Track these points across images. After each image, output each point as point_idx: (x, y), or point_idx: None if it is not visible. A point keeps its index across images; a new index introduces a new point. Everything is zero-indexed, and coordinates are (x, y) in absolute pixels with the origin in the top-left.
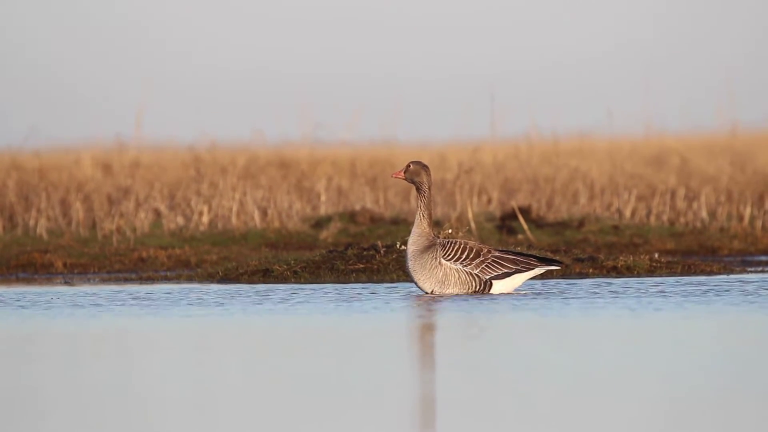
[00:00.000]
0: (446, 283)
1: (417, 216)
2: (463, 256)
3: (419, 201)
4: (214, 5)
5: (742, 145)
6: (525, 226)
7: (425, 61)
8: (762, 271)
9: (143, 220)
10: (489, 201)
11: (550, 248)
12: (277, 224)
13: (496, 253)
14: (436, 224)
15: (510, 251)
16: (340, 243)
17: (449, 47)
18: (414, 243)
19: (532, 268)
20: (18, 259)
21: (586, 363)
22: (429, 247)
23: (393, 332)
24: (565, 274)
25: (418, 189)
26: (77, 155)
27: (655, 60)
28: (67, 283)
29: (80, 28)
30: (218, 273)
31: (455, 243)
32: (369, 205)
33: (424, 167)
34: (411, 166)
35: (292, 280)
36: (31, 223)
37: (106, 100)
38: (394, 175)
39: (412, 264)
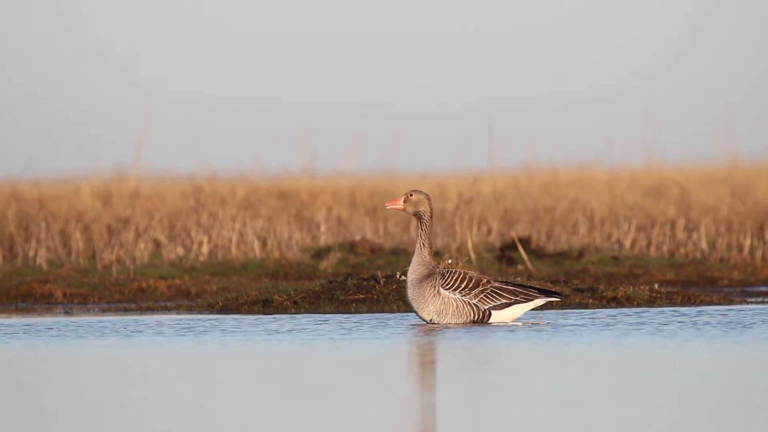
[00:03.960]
0: (445, 312)
1: (417, 245)
2: (462, 286)
3: (420, 230)
4: (213, 36)
5: (741, 175)
6: (525, 256)
7: (425, 92)
8: (762, 302)
9: (143, 250)
10: (489, 231)
11: (549, 279)
12: (276, 254)
13: (496, 284)
14: (436, 254)
15: (510, 282)
16: (339, 273)
17: (448, 77)
18: (414, 272)
19: (532, 299)
20: (18, 290)
21: (586, 394)
22: (428, 276)
23: (390, 362)
24: (564, 305)
25: (419, 219)
26: (77, 185)
27: (654, 91)
28: (66, 313)
29: (79, 59)
30: (218, 303)
31: (454, 273)
32: (369, 235)
33: (427, 196)
34: (413, 195)
35: (292, 310)
36: (31, 253)
37: (105, 131)
38: (389, 206)
39: (411, 293)
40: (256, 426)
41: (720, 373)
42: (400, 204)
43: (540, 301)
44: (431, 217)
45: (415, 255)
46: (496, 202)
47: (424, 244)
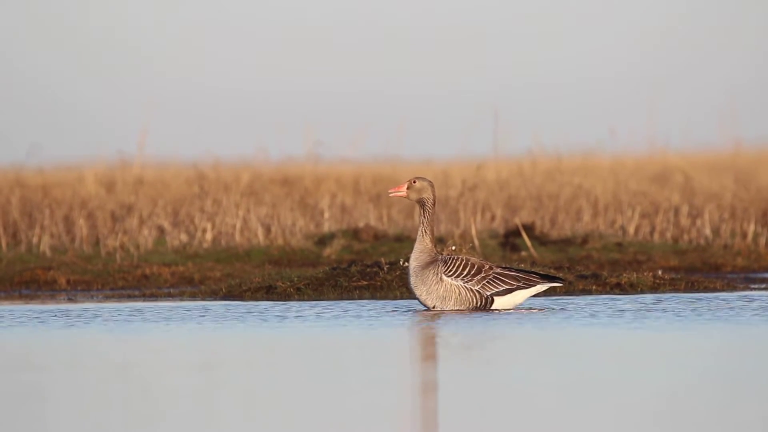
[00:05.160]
0: (447, 299)
1: (419, 232)
2: (465, 273)
3: (422, 217)
4: (216, 24)
5: (745, 162)
6: (528, 243)
7: (429, 79)
8: (766, 288)
9: (147, 237)
10: (492, 218)
11: (553, 265)
12: (280, 241)
13: (498, 270)
14: (440, 241)
15: (512, 268)
16: (343, 260)
17: (453, 65)
18: (416, 259)
19: (534, 285)
20: (21, 276)
21: (587, 380)
22: (431, 263)
23: (392, 347)
24: (568, 291)
25: (422, 206)
26: (80, 172)
27: (658, 78)
28: (70, 300)
29: (83, 47)
30: (222, 290)
31: (457, 259)
32: (372, 222)
33: (430, 183)
34: (416, 182)
35: (296, 297)
36: (35, 240)
37: (109, 118)
38: (392, 192)
39: (414, 280)
40: (250, 417)
41: (722, 360)
42: (403, 191)
43: (542, 287)
44: (434, 205)
45: (417, 242)
46: (500, 188)
47: (426, 231)
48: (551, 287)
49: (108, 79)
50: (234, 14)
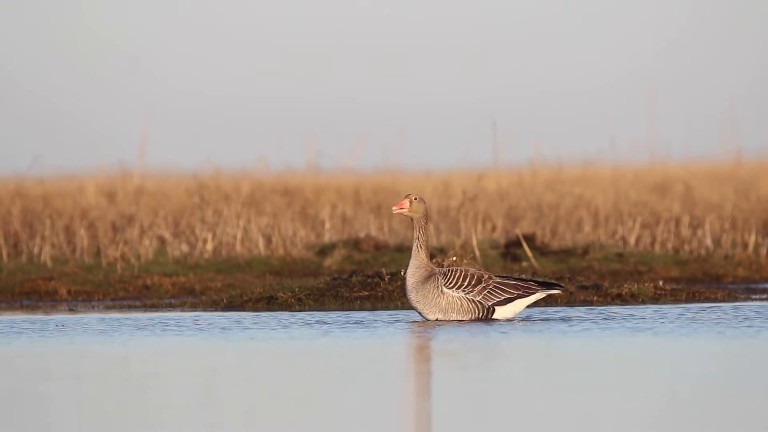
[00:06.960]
0: (449, 311)
1: (414, 247)
2: (465, 284)
3: (418, 233)
4: (217, 33)
5: (746, 172)
6: (529, 253)
7: (429, 89)
8: (767, 299)
9: (147, 247)
10: (493, 228)
11: (554, 276)
12: (281, 252)
13: (498, 279)
14: (441, 251)
15: (510, 277)
16: (344, 270)
17: (453, 74)
18: (413, 275)
19: (534, 293)
20: (22, 287)
21: (584, 391)
22: (429, 277)
23: (393, 358)
24: (569, 302)
25: (418, 222)
26: (81, 183)
27: (658, 87)
28: (71, 310)
29: (83, 57)
30: (222, 300)
31: (456, 271)
32: (373, 232)
33: (424, 200)
34: (416, 199)
35: (297, 307)
36: (36, 250)
37: (109, 129)
38: (396, 209)
39: (414, 296)
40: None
41: (720, 371)
42: (406, 207)
43: (542, 294)
44: (427, 221)
45: (412, 258)
46: (500, 199)
47: (421, 246)
48: (551, 295)
49: (108, 88)
50: (234, 24)
